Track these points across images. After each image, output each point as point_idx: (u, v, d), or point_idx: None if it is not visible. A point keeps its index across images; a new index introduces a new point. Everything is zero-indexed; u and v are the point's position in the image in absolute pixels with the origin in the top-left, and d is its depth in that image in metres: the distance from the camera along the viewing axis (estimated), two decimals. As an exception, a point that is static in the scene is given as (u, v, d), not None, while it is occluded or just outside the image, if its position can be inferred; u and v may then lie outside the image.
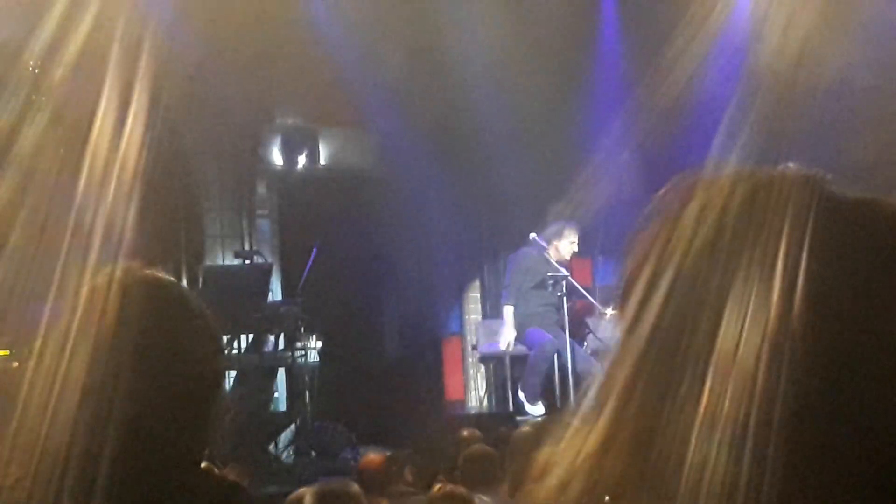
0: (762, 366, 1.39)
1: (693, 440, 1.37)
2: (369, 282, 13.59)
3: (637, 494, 1.45)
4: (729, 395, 1.38)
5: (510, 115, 12.51)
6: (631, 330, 1.48)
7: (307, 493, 6.68)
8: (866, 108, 10.37)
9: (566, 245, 13.05)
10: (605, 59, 12.35)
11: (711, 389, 1.39)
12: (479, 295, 14.17)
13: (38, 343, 2.61)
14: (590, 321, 13.15)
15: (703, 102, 9.07)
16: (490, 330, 13.41)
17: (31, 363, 2.59)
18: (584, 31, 12.34)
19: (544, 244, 13.09)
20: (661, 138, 9.64)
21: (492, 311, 13.75)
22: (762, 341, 1.39)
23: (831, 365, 1.43)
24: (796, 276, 1.43)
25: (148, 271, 2.73)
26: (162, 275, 2.74)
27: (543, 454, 1.57)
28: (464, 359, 14.46)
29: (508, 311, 13.14)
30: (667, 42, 9.77)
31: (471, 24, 11.84)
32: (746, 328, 1.42)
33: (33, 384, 2.56)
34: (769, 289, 1.44)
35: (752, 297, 1.43)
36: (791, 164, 1.54)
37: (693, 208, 1.53)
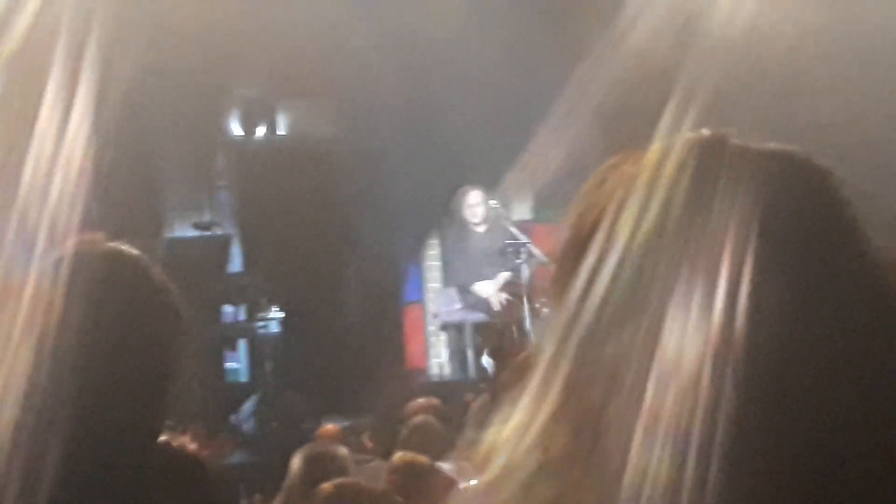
0: (710, 374, 1.44)
1: (637, 434, 1.41)
2: (330, 251, 13.62)
3: (583, 476, 1.48)
4: (672, 392, 1.42)
5: (471, 83, 12.54)
6: (571, 315, 1.51)
7: (296, 454, 6.77)
8: (819, 71, 10.44)
9: (468, 211, 13.17)
10: (565, 24, 12.30)
11: (655, 388, 1.43)
12: (439, 263, 14.21)
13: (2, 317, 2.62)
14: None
15: (661, 67, 9.11)
16: (450, 297, 13.51)
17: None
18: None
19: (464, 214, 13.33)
20: (621, 102, 9.65)
21: (452, 280, 13.81)
22: (704, 321, 1.44)
23: (771, 359, 1.47)
24: (720, 266, 1.47)
25: (111, 244, 2.75)
26: (125, 248, 2.76)
27: (493, 429, 1.61)
28: (424, 325, 14.53)
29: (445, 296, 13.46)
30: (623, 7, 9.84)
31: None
32: (683, 330, 1.46)
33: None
34: (692, 282, 1.48)
35: (688, 271, 1.48)
36: (701, 130, 1.59)
37: (601, 189, 1.58)
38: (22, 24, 8.20)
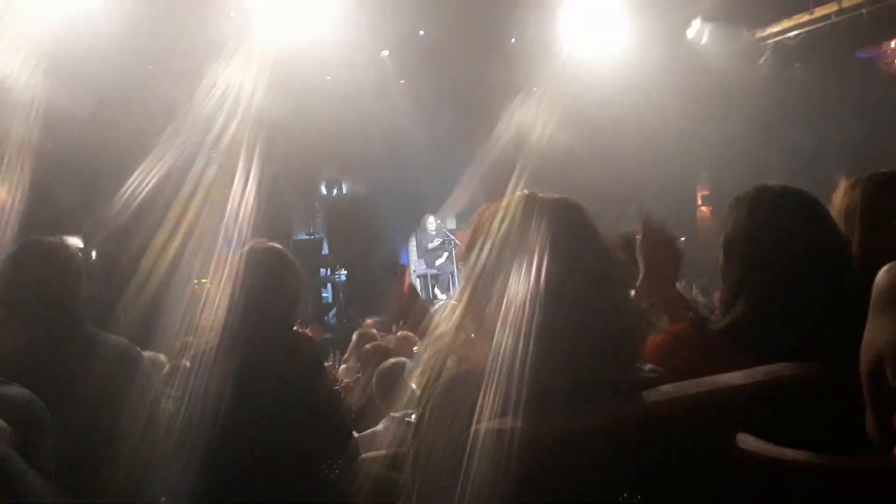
0: (529, 297, 1.48)
1: (498, 324, 1.45)
2: (366, 245, 13.53)
3: (481, 339, 1.53)
4: (510, 315, 1.47)
5: (430, 162, 12.37)
6: (467, 280, 1.57)
7: (355, 333, 6.75)
8: (579, 159, 10.41)
9: (427, 225, 13.24)
10: (475, 129, 11.84)
11: (501, 312, 1.47)
12: (415, 247, 14.23)
13: (221, 275, 2.63)
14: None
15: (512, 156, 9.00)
16: (420, 264, 13.56)
17: (217, 286, 2.61)
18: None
19: (426, 226, 13.34)
20: (494, 173, 9.50)
21: (420, 255, 13.83)
22: (527, 287, 1.48)
23: (556, 290, 1.51)
24: (534, 250, 1.52)
25: (270, 243, 2.78)
26: (277, 245, 2.78)
27: (437, 317, 1.66)
28: (410, 276, 14.55)
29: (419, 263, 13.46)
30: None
31: (417, 117, 11.72)
32: (517, 279, 1.50)
33: (218, 296, 2.57)
34: (522, 258, 1.53)
35: (515, 263, 1.53)
36: (525, 190, 1.63)
37: (482, 218, 1.63)
38: (223, 143, 8.12)
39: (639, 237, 2.22)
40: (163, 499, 2.30)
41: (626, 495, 1.34)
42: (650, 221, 2.21)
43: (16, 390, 1.70)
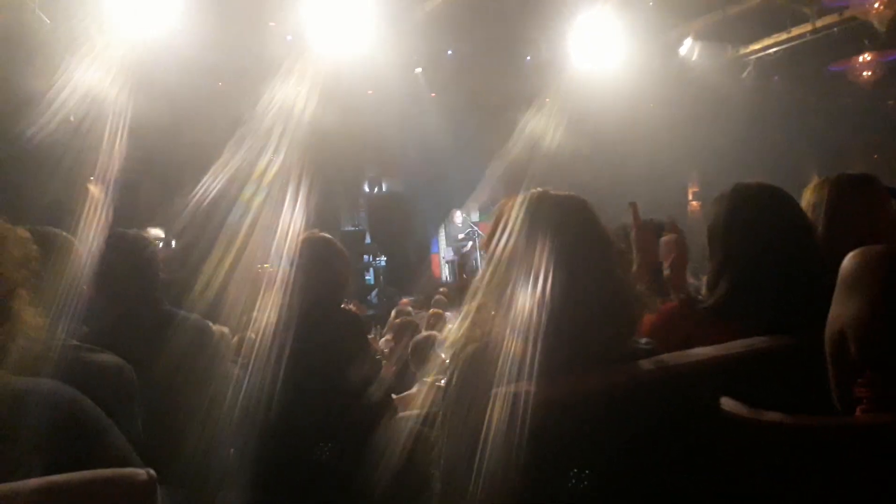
0: (541, 279, 1.46)
1: (508, 323, 1.44)
2: (402, 235, 13.57)
3: (500, 315, 1.51)
4: (525, 295, 1.45)
5: (457, 164, 12.34)
6: (488, 265, 1.55)
7: (393, 310, 6.72)
8: (580, 163, 10.31)
9: (455, 218, 13.19)
10: (492, 138, 11.86)
11: (517, 293, 1.46)
12: (445, 236, 14.18)
13: (282, 259, 2.64)
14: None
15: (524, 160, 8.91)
16: (449, 251, 13.49)
17: (277, 268, 2.62)
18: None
19: (453, 219, 13.22)
20: (511, 172, 9.42)
21: (449, 244, 13.77)
22: (537, 275, 1.46)
23: (559, 273, 1.49)
24: (545, 240, 1.49)
25: (322, 233, 2.77)
26: (327, 235, 2.78)
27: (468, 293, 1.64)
28: (440, 261, 14.48)
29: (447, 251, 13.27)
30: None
31: (438, 132, 11.66)
32: (531, 264, 1.48)
33: (278, 279, 2.57)
34: (535, 246, 1.50)
35: (528, 250, 1.50)
36: (538, 188, 1.61)
37: (501, 211, 1.60)
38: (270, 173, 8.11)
39: (633, 231, 2.21)
40: (231, 450, 2.32)
41: (586, 472, 1.32)
42: (640, 219, 2.22)
43: (108, 357, 1.67)
